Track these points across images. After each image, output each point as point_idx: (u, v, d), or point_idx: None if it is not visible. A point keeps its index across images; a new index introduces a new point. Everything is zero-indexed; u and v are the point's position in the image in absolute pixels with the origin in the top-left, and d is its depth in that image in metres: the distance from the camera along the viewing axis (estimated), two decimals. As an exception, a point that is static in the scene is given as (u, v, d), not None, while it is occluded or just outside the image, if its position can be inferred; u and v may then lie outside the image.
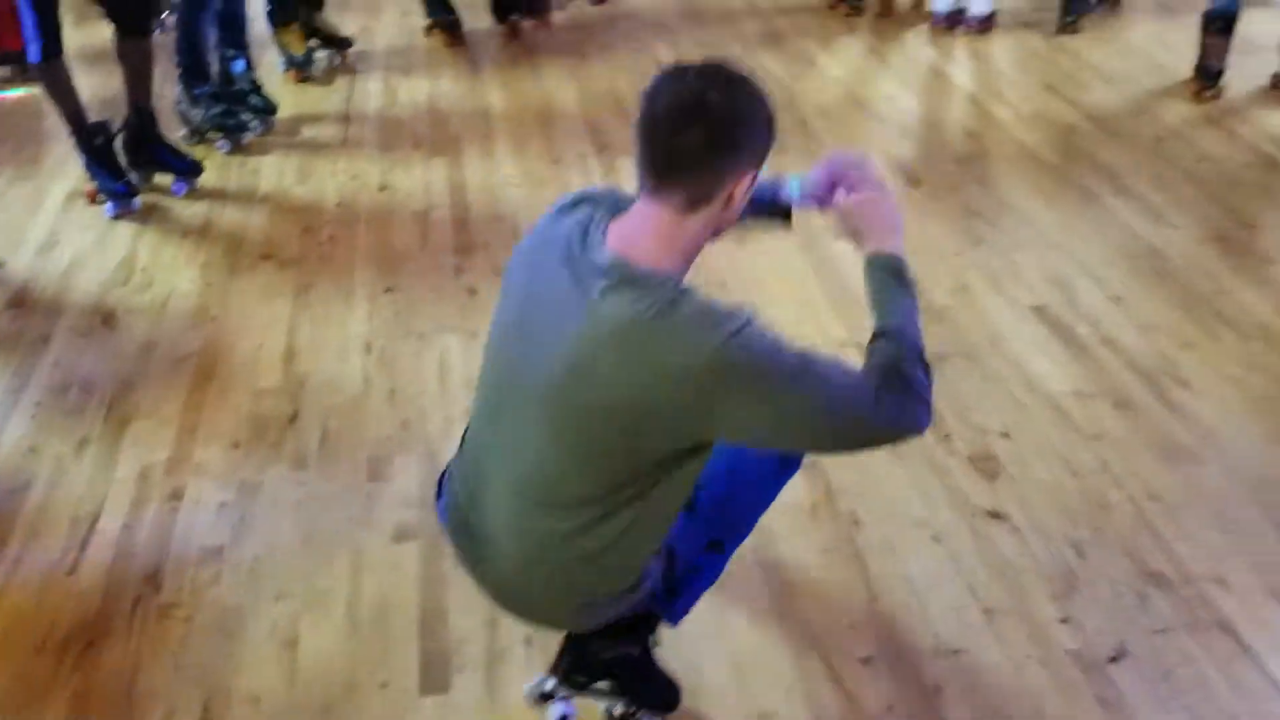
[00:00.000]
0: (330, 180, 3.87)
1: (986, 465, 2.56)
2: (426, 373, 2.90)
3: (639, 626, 1.83)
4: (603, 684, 1.91)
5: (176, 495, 2.53)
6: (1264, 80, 4.33)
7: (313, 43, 4.70)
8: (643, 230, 1.47)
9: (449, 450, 2.55)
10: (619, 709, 1.95)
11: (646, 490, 1.53)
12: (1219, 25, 4.15)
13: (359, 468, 2.59)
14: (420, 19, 5.06)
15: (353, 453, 2.64)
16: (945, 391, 2.76)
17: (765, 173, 1.55)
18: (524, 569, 1.63)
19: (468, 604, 2.20)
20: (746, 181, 1.49)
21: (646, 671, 1.93)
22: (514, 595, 1.70)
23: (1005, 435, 2.64)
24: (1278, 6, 4.94)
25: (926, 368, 1.53)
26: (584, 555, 1.58)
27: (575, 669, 1.91)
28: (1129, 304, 3.10)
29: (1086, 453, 2.58)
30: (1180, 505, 2.43)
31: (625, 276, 1.43)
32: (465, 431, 1.80)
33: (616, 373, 1.42)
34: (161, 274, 3.38)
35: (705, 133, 1.42)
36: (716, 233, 1.53)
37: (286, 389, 2.87)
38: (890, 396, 1.47)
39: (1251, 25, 4.39)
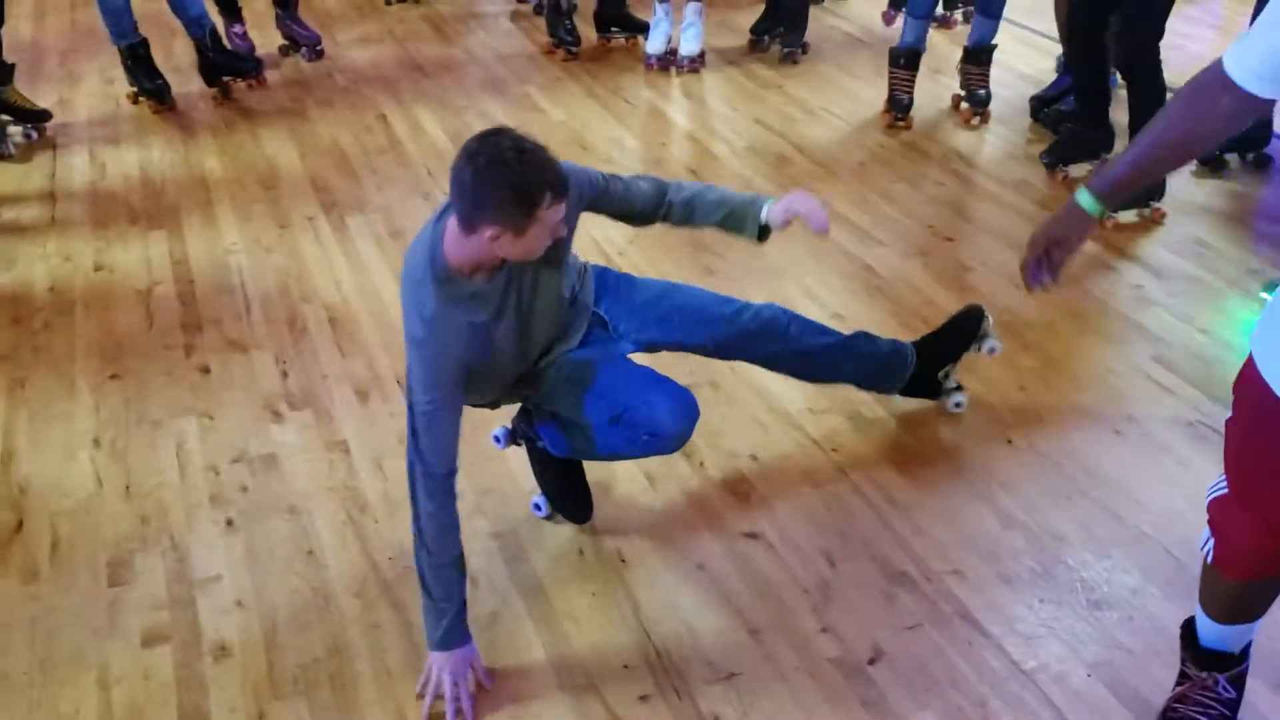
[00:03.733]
0: (39, 265, 3.62)
1: (739, 488, 2.67)
2: (163, 462, 2.76)
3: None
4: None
5: (-113, 630, 2.29)
6: (946, 102, 4.75)
7: (4, 119, 4.39)
8: (450, 233, 2.05)
9: (195, 543, 2.46)
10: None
11: None
12: (904, 61, 4.52)
13: (98, 574, 2.43)
14: (125, 86, 4.81)
15: (89, 558, 2.47)
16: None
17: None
18: None
19: (229, 702, 2.10)
20: (499, 233, 1.97)
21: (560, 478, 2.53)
22: None
23: (753, 457, 2.77)
24: (958, 31, 5.42)
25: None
26: None
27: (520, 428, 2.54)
28: (849, 320, 3.31)
29: (826, 465, 2.74)
30: (914, 505, 2.61)
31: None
32: None
33: None
34: None
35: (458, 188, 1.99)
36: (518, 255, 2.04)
37: (7, 497, 2.66)
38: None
39: (935, 50, 4.80)
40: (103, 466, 2.75)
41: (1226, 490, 1.76)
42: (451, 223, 2.04)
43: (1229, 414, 1.68)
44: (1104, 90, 4.03)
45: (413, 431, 2.09)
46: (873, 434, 2.86)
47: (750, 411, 2.94)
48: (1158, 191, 3.83)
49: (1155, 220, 3.83)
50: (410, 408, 2.09)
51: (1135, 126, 3.77)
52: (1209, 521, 1.83)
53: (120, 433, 2.87)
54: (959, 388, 2.91)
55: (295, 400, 2.98)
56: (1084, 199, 1.84)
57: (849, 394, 2.99)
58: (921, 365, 2.79)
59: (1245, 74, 1.54)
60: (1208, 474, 2.65)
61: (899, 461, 2.76)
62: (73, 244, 3.74)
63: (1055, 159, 4.13)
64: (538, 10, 5.78)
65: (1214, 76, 1.59)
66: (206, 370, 3.11)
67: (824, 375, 2.74)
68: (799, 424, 2.89)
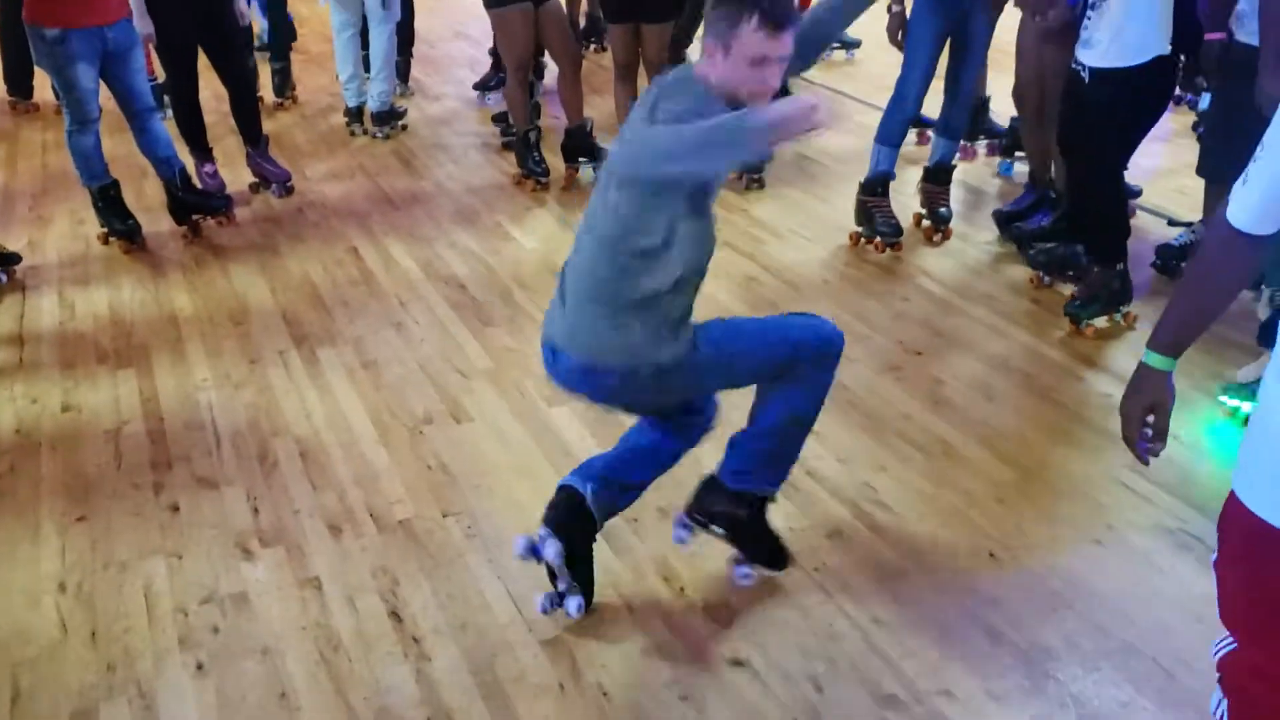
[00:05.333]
0: (6, 408, 3.58)
1: (721, 613, 2.62)
2: (131, 605, 2.69)
3: (746, 497, 2.62)
4: (718, 529, 2.66)
5: None
6: (907, 220, 4.84)
7: (-28, 262, 4.39)
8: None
9: (163, 690, 2.38)
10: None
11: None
12: (880, 189, 4.63)
13: (61, 725, 2.34)
14: (96, 227, 4.84)
15: (52, 710, 2.38)
16: (672, 546, 2.83)
17: None
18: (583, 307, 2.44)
19: None
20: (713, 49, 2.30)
21: (756, 531, 2.66)
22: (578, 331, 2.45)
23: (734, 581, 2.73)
24: (912, 151, 5.56)
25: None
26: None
27: (695, 509, 2.69)
28: (825, 436, 3.31)
29: (809, 585, 2.70)
30: (900, 625, 2.57)
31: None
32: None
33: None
34: None
35: None
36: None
37: (-33, 648, 2.57)
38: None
39: (909, 171, 4.91)
40: (68, 612, 2.67)
41: (1236, 645, 1.59)
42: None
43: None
44: (1122, 221, 3.95)
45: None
46: (854, 551, 2.83)
47: (729, 533, 2.91)
48: (1127, 296, 3.89)
49: (1128, 324, 3.89)
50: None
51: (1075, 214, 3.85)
52: (1220, 681, 1.64)
53: (87, 576, 2.80)
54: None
55: (266, 536, 2.93)
56: (1156, 361, 1.83)
57: (827, 510, 2.97)
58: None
59: (1252, 221, 1.58)
60: (1191, 582, 2.65)
61: (882, 579, 2.73)
62: (40, 386, 3.71)
63: (1081, 314, 3.92)
64: (505, 146, 5.90)
65: (1224, 236, 1.62)
66: (176, 508, 3.05)
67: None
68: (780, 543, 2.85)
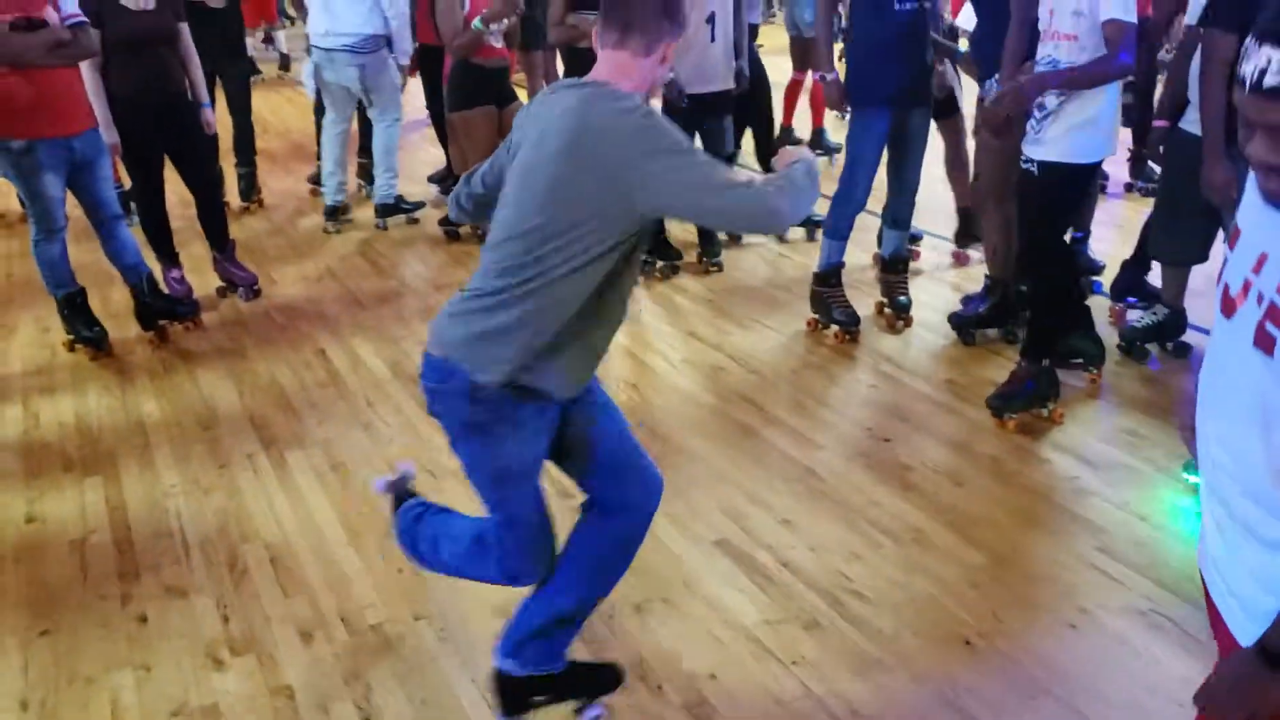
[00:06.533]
0: (-34, 520, 3.53)
1: (700, 711, 2.60)
2: (98, 722, 2.63)
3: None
4: (540, 698, 2.53)
5: None
6: (869, 309, 4.93)
7: (-65, 372, 4.36)
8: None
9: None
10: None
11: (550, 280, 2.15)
12: (834, 280, 4.71)
13: None
14: (60, 334, 4.82)
15: (16, 834, 2.31)
16: (649, 641, 2.82)
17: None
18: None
19: None
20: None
21: (574, 677, 2.54)
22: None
23: (713, 676, 2.71)
24: (862, 245, 5.67)
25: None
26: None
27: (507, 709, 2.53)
28: (797, 525, 3.32)
29: (788, 680, 2.69)
30: (881, 716, 2.56)
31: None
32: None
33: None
34: None
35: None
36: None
37: (-73, 772, 2.50)
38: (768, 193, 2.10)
39: (857, 258, 5.01)
40: (32, 731, 2.61)
41: None
42: (619, 63, 2.21)
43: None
44: (1057, 319, 3.97)
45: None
46: (831, 643, 2.82)
47: (705, 626, 2.90)
48: (1052, 393, 3.92)
49: (1055, 421, 3.92)
50: (690, 164, 2.10)
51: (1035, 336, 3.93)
52: None
53: (50, 693, 2.74)
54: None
55: (237, 645, 2.88)
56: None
57: (802, 602, 2.97)
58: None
59: None
60: (1166, 663, 2.66)
61: (861, 670, 2.72)
62: (3, 496, 3.66)
63: (1002, 408, 3.92)
64: (482, 240, 5.98)
65: None
66: (144, 619, 3.00)
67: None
68: (755, 636, 2.85)
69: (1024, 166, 3.81)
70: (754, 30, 6.78)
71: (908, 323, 4.80)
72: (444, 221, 6.23)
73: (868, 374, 4.40)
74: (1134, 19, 3.48)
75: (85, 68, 4.59)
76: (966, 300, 4.83)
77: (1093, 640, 2.80)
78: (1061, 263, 3.97)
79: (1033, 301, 4.03)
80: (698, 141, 5.13)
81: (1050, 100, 3.64)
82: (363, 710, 2.63)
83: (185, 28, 4.98)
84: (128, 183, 5.78)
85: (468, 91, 5.33)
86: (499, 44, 5.29)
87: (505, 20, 5.23)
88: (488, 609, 2.96)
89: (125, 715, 2.65)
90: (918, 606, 2.96)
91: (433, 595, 3.05)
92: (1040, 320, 3.94)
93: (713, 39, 5.05)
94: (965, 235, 5.59)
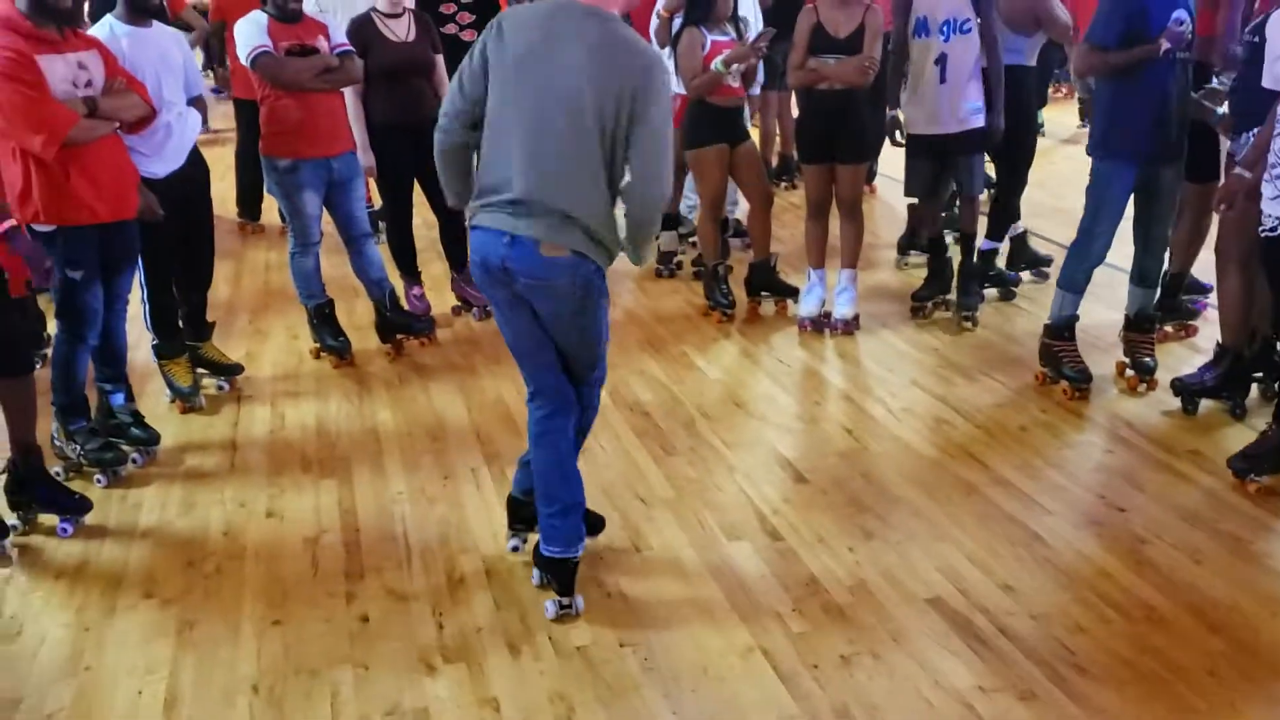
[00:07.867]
0: (215, 510, 3.79)
1: (904, 773, 2.51)
2: (318, 713, 2.76)
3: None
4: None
5: None
6: (1110, 369, 4.67)
7: (200, 372, 4.72)
8: None
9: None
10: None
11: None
12: (1068, 333, 4.50)
13: (247, 827, 2.40)
14: (308, 341, 5.15)
15: (240, 810, 2.45)
16: (855, 694, 2.75)
17: None
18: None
19: None
20: None
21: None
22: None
23: (919, 738, 2.61)
24: (1107, 301, 5.39)
25: None
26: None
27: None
28: (1019, 591, 3.17)
29: (1001, 751, 2.56)
30: (1100, 802, 2.40)
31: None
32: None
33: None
34: (31, 620, 3.20)
35: None
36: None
37: (167, 742, 2.68)
38: None
39: (1094, 316, 4.78)
40: (259, 714, 2.77)
41: None
42: None
43: None
44: None
45: None
46: (1048, 717, 2.67)
47: (914, 685, 2.79)
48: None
49: None
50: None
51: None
52: None
53: (279, 680, 2.90)
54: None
55: (449, 653, 2.98)
56: None
57: (1020, 671, 2.83)
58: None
59: None
60: None
61: (1080, 750, 2.56)
62: (248, 491, 3.92)
63: (1246, 469, 3.72)
64: (696, 276, 6.02)
65: None
66: (365, 619, 3.15)
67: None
68: (968, 702, 2.73)
69: (1266, 231, 3.57)
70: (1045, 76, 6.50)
71: (1151, 386, 4.52)
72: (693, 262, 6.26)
73: (1102, 437, 4.17)
74: None
75: (348, 94, 4.92)
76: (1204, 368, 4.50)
77: (1350, 748, 2.55)
78: None
79: None
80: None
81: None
82: (565, 731, 2.67)
83: (440, 59, 5.25)
84: (378, 203, 6.13)
85: (702, 130, 5.39)
86: (736, 84, 5.33)
87: (746, 62, 5.28)
88: (691, 644, 2.96)
89: (344, 709, 2.78)
90: (1146, 688, 2.77)
91: (639, 623, 3.07)
92: None
93: (942, 80, 4.95)
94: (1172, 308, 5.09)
